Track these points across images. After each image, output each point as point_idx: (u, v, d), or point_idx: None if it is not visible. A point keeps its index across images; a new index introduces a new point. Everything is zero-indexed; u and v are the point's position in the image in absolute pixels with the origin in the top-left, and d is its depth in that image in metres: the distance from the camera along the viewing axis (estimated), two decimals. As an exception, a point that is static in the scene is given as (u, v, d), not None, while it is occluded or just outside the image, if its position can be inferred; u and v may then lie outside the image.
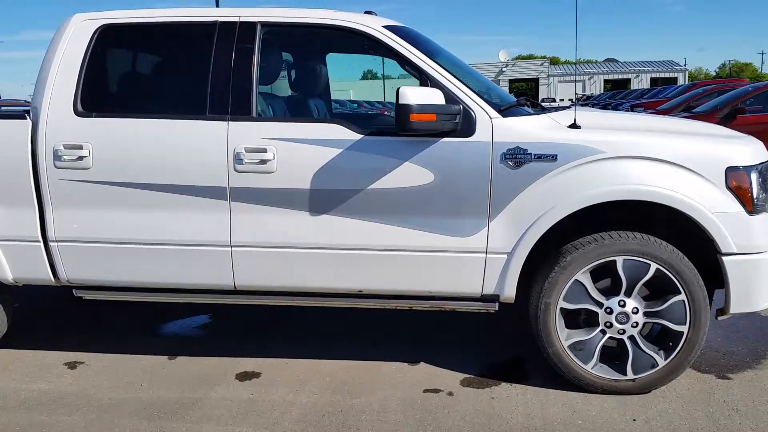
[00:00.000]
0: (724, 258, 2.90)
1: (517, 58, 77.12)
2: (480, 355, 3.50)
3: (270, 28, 3.19)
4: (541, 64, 69.79)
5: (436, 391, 3.13)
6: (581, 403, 2.97)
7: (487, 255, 3.01)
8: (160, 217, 3.15)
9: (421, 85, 3.03)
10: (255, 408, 3.00)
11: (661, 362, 3.00)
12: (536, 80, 69.63)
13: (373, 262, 3.08)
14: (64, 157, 3.15)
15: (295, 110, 3.28)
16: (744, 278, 2.91)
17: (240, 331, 4.00)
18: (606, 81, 66.53)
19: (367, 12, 3.50)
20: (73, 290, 3.39)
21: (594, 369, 3.04)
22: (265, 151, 3.04)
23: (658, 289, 3.00)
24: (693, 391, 3.08)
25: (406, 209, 3.01)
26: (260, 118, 3.11)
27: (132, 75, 3.42)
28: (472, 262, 3.03)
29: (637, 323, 2.99)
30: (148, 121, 3.15)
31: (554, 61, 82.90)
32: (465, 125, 2.97)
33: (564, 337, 3.04)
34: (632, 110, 18.72)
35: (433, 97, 2.84)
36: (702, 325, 2.96)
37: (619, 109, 22.20)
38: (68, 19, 3.31)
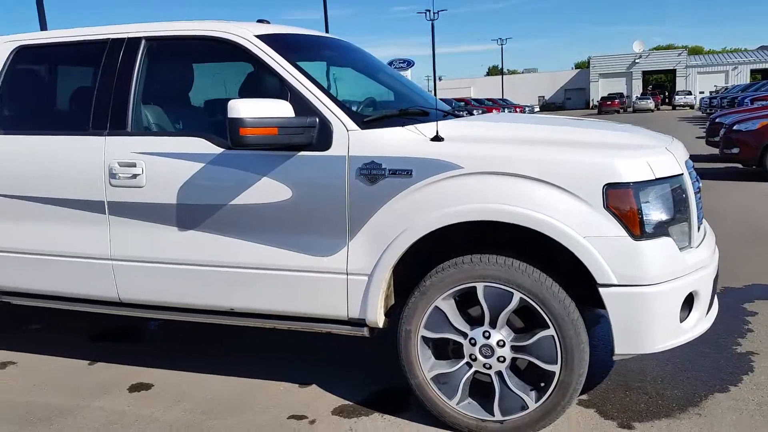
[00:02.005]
0: (601, 290, 2.49)
1: (655, 49, 72.25)
2: (375, 382, 3.28)
3: (153, 43, 3.20)
4: (679, 55, 64.95)
5: (301, 418, 2.98)
6: (438, 444, 2.69)
7: (348, 276, 2.81)
8: (51, 230, 3.27)
9: (282, 95, 2.89)
10: (120, 421, 3.02)
11: (532, 404, 2.63)
12: (673, 72, 64.82)
13: (239, 280, 2.98)
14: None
15: (169, 123, 3.26)
16: (627, 314, 2.48)
17: (166, 340, 4.06)
18: (755, 71, 60.36)
19: (259, 21, 3.42)
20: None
21: (460, 405, 2.74)
22: (134, 165, 3.06)
23: (530, 322, 2.64)
24: (580, 439, 2.68)
25: (267, 227, 2.89)
26: (133, 132, 3.13)
27: (34, 93, 3.58)
28: (334, 283, 2.84)
29: (503, 358, 2.65)
30: (41, 138, 3.29)
31: (696, 51, 76.77)
32: (321, 138, 2.79)
33: (427, 368, 2.77)
34: (752, 104, 16.79)
35: (276, 109, 2.69)
36: (576, 367, 2.56)
37: (739, 104, 20.00)
38: (-7, 41, 3.54)
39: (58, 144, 3.24)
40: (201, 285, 3.06)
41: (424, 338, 2.75)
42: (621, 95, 54.81)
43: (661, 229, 2.50)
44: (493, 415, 2.68)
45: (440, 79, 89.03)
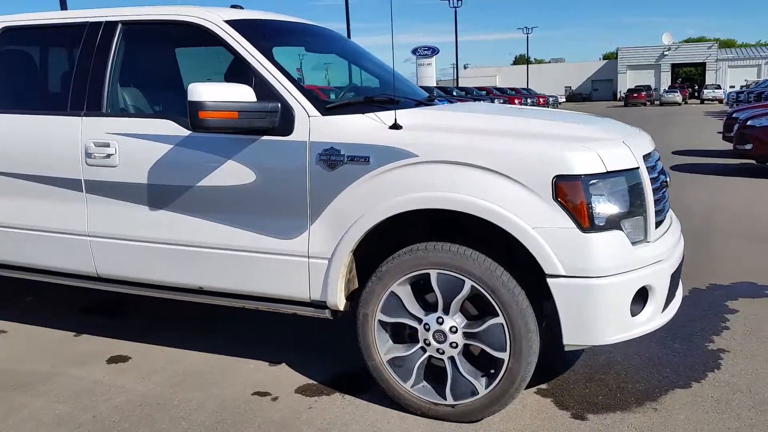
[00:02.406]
0: (549, 280, 2.51)
1: (685, 41, 70.68)
2: (341, 364, 3.35)
3: (129, 26, 3.28)
4: (710, 48, 63.52)
5: (264, 394, 3.06)
6: (390, 426, 2.75)
7: (310, 259, 2.88)
8: (33, 205, 3.39)
9: (248, 80, 2.94)
10: (93, 389, 3.15)
11: (482, 390, 2.68)
12: (703, 65, 63.48)
13: (206, 259, 3.07)
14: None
15: (144, 105, 3.34)
16: (575, 305, 2.50)
17: (151, 316, 4.17)
18: (789, 65, 58.86)
19: (233, 6, 3.47)
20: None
21: (414, 389, 2.80)
22: (108, 145, 3.15)
23: (483, 310, 2.68)
24: (531, 427, 2.72)
25: (233, 208, 2.96)
26: (108, 113, 3.22)
27: (17, 73, 3.68)
28: (296, 265, 2.90)
29: (456, 344, 2.70)
30: (23, 117, 3.40)
31: (728, 44, 75.01)
32: (283, 123, 2.85)
33: (384, 351, 2.83)
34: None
35: (237, 93, 2.75)
36: (525, 355, 2.59)
37: (765, 98, 19.57)
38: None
39: (40, 123, 3.35)
40: (170, 263, 3.14)
41: (381, 322, 2.81)
42: (648, 88, 53.84)
43: (612, 223, 2.52)
44: (445, 399, 2.74)
45: (465, 67, 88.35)
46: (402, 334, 2.85)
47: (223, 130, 2.80)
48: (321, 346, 3.62)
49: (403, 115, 2.86)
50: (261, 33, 3.15)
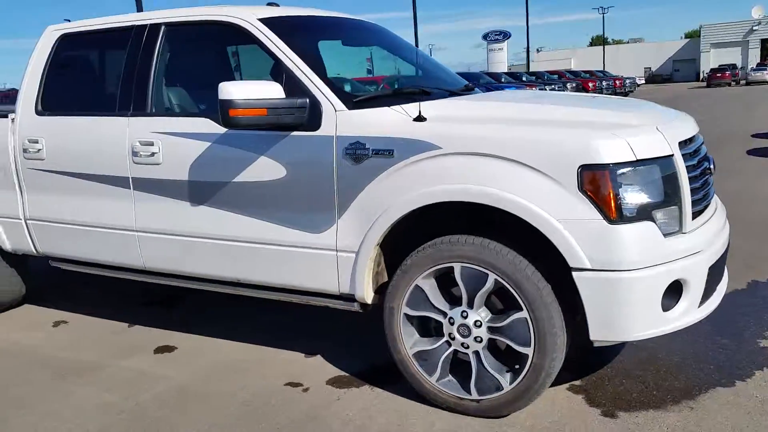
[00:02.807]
0: (574, 274, 2.44)
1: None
2: (375, 355, 3.37)
3: (171, 28, 3.40)
4: (805, 21, 59.01)
5: (296, 385, 3.13)
6: (414, 419, 2.76)
7: (338, 253, 2.91)
8: (90, 203, 3.59)
9: (276, 76, 3.00)
10: (137, 379, 3.31)
11: (506, 385, 2.64)
12: (798, 40, 59.12)
13: (242, 253, 3.16)
14: (29, 149, 3.75)
15: (186, 104, 3.45)
16: (602, 300, 2.42)
17: (200, 309, 4.33)
18: None
19: (269, 4, 3.53)
20: (50, 261, 4.02)
21: (439, 383, 2.79)
22: (152, 144, 3.29)
23: (507, 304, 2.63)
24: (557, 425, 2.66)
25: (267, 203, 3.04)
26: (152, 113, 3.36)
27: (75, 77, 3.87)
28: (326, 259, 2.95)
29: (480, 338, 2.67)
30: (80, 118, 3.59)
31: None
32: (311, 119, 2.88)
33: (410, 345, 2.83)
34: None
35: (265, 91, 2.80)
36: (549, 351, 2.53)
37: None
38: (44, 29, 3.89)
39: (93, 124, 3.53)
40: (209, 256, 3.26)
41: (406, 315, 2.81)
42: (733, 66, 50.73)
43: (642, 213, 2.41)
44: (470, 394, 2.72)
45: (537, 51, 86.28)
46: (428, 328, 2.85)
47: (253, 127, 2.86)
48: (356, 339, 3.65)
49: (430, 107, 2.84)
50: (294, 29, 3.20)
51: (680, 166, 2.52)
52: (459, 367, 2.78)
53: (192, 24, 3.37)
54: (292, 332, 3.81)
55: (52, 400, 3.14)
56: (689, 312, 2.55)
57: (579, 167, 2.39)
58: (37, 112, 3.75)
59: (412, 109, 2.81)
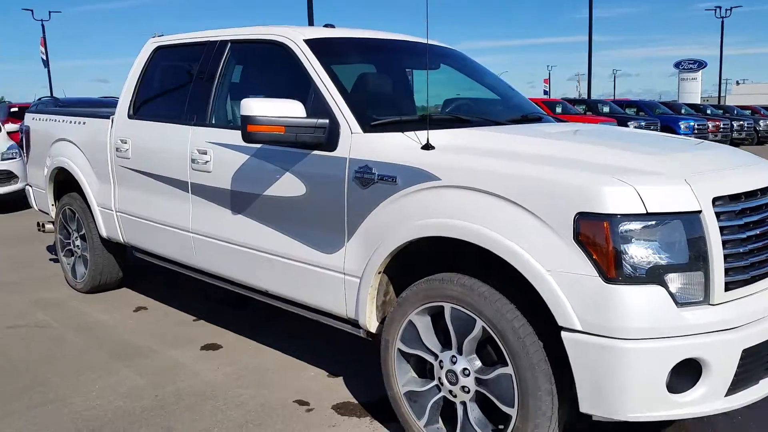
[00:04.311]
0: (563, 334, 2.15)
1: None
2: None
3: (235, 45, 3.58)
4: None
5: (303, 403, 3.12)
6: (396, 461, 2.61)
7: (345, 276, 2.86)
8: (161, 202, 3.88)
9: (306, 96, 3.01)
10: (172, 369, 3.51)
11: (488, 446, 2.40)
12: None
13: (266, 263, 3.22)
14: (120, 148, 4.16)
15: (236, 117, 3.57)
16: (593, 369, 2.11)
17: (262, 313, 4.47)
18: None
19: (326, 25, 3.57)
20: (134, 251, 4.41)
21: (427, 428, 2.61)
22: (206, 153, 3.47)
23: (499, 356, 2.39)
24: (545, 498, 2.36)
25: (288, 218, 3.07)
26: (209, 124, 3.54)
27: (161, 85, 4.19)
28: (334, 280, 2.91)
29: (468, 388, 2.45)
30: (158, 124, 3.91)
31: None
32: (329, 139, 2.87)
33: (402, 383, 2.69)
34: None
35: (286, 109, 2.83)
36: (532, 416, 2.25)
37: None
38: (146, 41, 4.29)
39: (166, 130, 3.82)
40: (241, 263, 3.36)
41: (401, 351, 2.67)
42: None
43: (651, 276, 2.06)
44: (455, 448, 2.51)
45: (737, 83, 78.93)
46: (424, 368, 2.68)
47: (271, 143, 2.91)
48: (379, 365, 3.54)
49: (446, 135, 2.70)
50: (335, 51, 3.23)
51: (710, 224, 2.12)
52: (449, 414, 2.58)
53: (250, 42, 3.52)
54: (327, 349, 3.79)
55: (94, 376, 3.43)
56: (709, 399, 2.14)
57: (576, 214, 2.11)
58: (129, 116, 4.15)
59: (424, 135, 2.68)
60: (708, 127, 22.43)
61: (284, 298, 3.26)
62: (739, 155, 2.69)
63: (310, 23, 17.36)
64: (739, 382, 2.17)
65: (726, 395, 2.16)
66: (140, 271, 5.28)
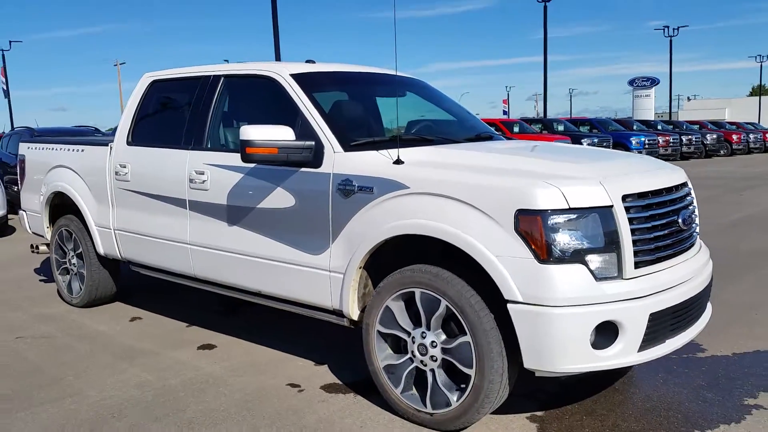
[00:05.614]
0: (508, 306, 2.73)
1: None
2: (372, 369, 3.76)
3: (227, 79, 4.12)
4: None
5: (294, 386, 3.61)
6: (376, 425, 3.11)
7: (330, 273, 3.38)
8: (159, 219, 4.35)
9: (297, 121, 3.56)
10: (175, 366, 3.95)
11: (454, 402, 2.94)
12: None
13: (262, 268, 3.72)
14: (120, 172, 4.62)
15: (231, 142, 4.11)
16: (532, 331, 2.68)
17: (249, 317, 4.95)
18: None
19: (308, 61, 4.14)
20: (130, 266, 4.85)
21: (403, 395, 3.13)
22: (203, 173, 3.98)
23: (459, 328, 2.94)
24: (501, 444, 2.90)
25: (280, 227, 3.59)
26: (206, 148, 4.06)
27: (157, 115, 4.69)
28: (321, 277, 3.43)
29: (435, 357, 2.99)
30: (157, 149, 4.40)
31: None
32: (315, 158, 3.41)
33: (381, 358, 3.21)
34: None
35: (279, 133, 3.37)
36: (487, 374, 2.81)
37: None
38: (141, 76, 4.79)
39: (165, 155, 4.31)
40: (238, 269, 3.85)
41: (379, 332, 3.20)
42: None
43: (574, 256, 2.66)
44: (426, 407, 3.04)
45: (689, 99, 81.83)
46: (399, 345, 3.21)
47: (266, 163, 3.44)
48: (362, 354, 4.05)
49: (413, 152, 3.27)
50: (316, 83, 3.78)
51: (621, 216, 2.74)
52: (421, 381, 3.11)
53: (242, 77, 4.07)
54: (313, 342, 4.29)
55: (105, 374, 3.86)
56: (627, 354, 2.73)
57: (516, 211, 2.70)
58: (128, 143, 4.63)
59: (395, 153, 3.25)
60: (658, 142, 23.56)
61: (276, 297, 3.76)
62: (649, 162, 3.34)
63: (277, 58, 18.00)
64: (649, 340, 2.77)
65: (639, 351, 2.75)
66: (131, 287, 5.69)
